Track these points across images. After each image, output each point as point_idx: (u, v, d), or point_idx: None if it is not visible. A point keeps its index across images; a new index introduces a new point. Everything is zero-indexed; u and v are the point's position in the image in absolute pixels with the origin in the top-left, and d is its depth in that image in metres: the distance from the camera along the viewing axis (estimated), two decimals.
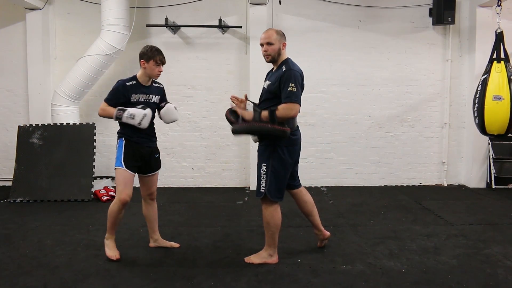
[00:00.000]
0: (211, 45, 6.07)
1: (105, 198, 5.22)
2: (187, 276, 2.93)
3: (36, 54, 5.91)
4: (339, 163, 6.23)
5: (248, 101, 3.10)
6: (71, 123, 5.52)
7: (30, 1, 5.59)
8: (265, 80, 3.17)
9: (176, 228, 4.03)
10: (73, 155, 5.39)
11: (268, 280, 2.86)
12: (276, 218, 3.06)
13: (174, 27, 5.94)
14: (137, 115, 3.08)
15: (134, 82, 3.21)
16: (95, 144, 5.47)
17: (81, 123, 5.59)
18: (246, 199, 5.39)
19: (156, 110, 3.37)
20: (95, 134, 5.49)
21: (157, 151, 3.44)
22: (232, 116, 2.99)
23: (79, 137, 5.48)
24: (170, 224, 4.22)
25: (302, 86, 3.01)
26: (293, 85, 2.86)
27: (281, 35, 3.08)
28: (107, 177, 6.05)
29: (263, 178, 3.03)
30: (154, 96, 3.31)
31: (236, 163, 6.17)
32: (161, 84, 3.42)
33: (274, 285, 2.80)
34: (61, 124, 5.50)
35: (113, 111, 3.13)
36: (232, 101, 3.11)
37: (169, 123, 3.50)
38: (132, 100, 3.19)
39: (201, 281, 2.85)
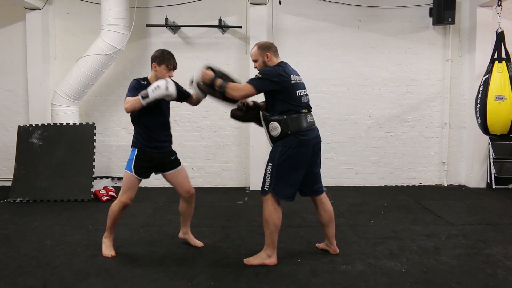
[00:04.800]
0: (211, 45, 6.07)
1: (105, 198, 5.22)
2: (187, 276, 2.93)
3: (36, 54, 5.90)
4: (339, 163, 6.23)
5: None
6: (71, 123, 5.52)
7: (30, 1, 5.59)
8: None
9: (176, 228, 4.02)
10: (73, 155, 5.39)
11: (268, 280, 2.86)
12: (275, 217, 3.06)
13: (174, 27, 5.94)
14: (161, 84, 3.00)
15: (146, 82, 3.22)
16: (95, 144, 5.46)
17: (81, 123, 5.59)
18: (246, 199, 5.39)
19: (169, 106, 3.38)
20: (95, 134, 5.49)
21: (172, 154, 3.40)
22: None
23: (79, 137, 5.47)
24: (170, 224, 4.22)
25: (284, 82, 3.00)
26: (260, 74, 2.99)
27: (263, 48, 3.14)
28: (107, 177, 6.05)
29: (268, 177, 3.06)
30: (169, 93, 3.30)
31: (236, 163, 6.17)
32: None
33: (274, 285, 2.80)
34: (61, 124, 5.50)
35: (137, 97, 3.05)
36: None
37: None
38: None
39: (201, 281, 2.84)
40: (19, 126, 5.58)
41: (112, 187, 5.78)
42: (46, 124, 5.56)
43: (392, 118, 6.23)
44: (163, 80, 3.04)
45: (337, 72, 6.14)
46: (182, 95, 3.36)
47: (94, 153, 5.43)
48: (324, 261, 3.20)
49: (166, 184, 6.13)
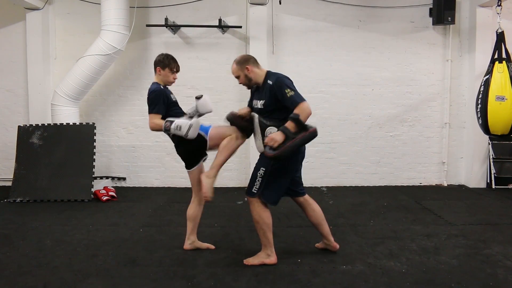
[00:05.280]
0: (211, 45, 6.07)
1: (105, 198, 5.22)
2: (187, 276, 2.93)
3: (36, 54, 5.91)
4: (339, 163, 6.23)
5: (253, 115, 3.07)
6: (71, 123, 5.52)
7: (30, 1, 5.59)
8: (252, 99, 3.19)
9: (176, 228, 4.03)
10: (73, 155, 5.39)
11: (268, 280, 2.86)
12: (264, 217, 3.06)
13: (174, 27, 5.94)
14: (183, 126, 3.05)
15: (162, 87, 3.28)
16: (95, 144, 5.46)
17: (81, 123, 5.59)
18: (246, 199, 5.37)
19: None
20: (95, 134, 5.49)
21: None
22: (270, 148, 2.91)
23: (79, 137, 5.48)
24: (170, 224, 4.22)
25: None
26: (288, 89, 2.90)
27: (241, 62, 3.10)
28: (107, 177, 6.05)
29: (258, 180, 3.04)
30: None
31: (236, 163, 6.17)
32: None
33: (274, 285, 2.80)
34: (61, 124, 5.50)
35: (162, 123, 3.12)
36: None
37: (203, 114, 3.30)
38: (173, 99, 3.30)
39: (201, 281, 2.84)
40: (19, 126, 5.59)
41: (112, 187, 5.78)
42: (46, 124, 5.56)
43: (392, 118, 6.23)
44: (187, 123, 3.03)
45: (337, 72, 6.14)
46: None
47: (94, 153, 5.43)
48: (324, 261, 3.20)
49: (166, 184, 6.19)
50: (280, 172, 3.02)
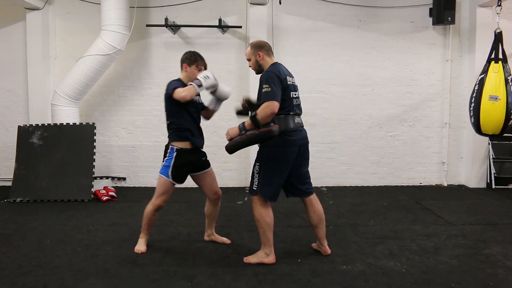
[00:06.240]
0: (211, 45, 6.07)
1: (105, 198, 5.22)
2: (187, 276, 2.93)
3: (36, 54, 5.91)
4: (339, 163, 6.23)
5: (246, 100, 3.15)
6: (71, 123, 5.52)
7: (30, 1, 5.59)
8: None
9: (176, 228, 4.03)
10: (73, 155, 5.39)
11: (268, 280, 2.86)
12: (265, 216, 3.07)
13: (174, 27, 5.94)
14: (209, 74, 3.11)
15: (182, 83, 3.29)
16: (95, 144, 5.46)
17: (81, 123, 5.59)
18: (246, 199, 5.39)
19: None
20: (95, 134, 5.49)
21: (204, 155, 3.49)
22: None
23: (79, 137, 5.48)
24: (170, 224, 4.22)
25: (281, 84, 2.95)
26: (266, 85, 2.91)
27: (256, 47, 3.14)
28: (107, 177, 6.05)
29: (255, 177, 3.08)
30: (198, 97, 3.38)
31: (236, 163, 6.17)
32: None
33: (274, 285, 2.80)
34: (61, 124, 5.50)
35: (191, 85, 3.12)
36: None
37: (227, 98, 3.38)
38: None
39: (201, 281, 2.85)
40: (19, 126, 5.58)
41: (112, 187, 5.78)
42: (46, 124, 5.56)
43: (392, 118, 6.23)
44: (206, 71, 3.13)
45: (337, 72, 6.14)
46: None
47: (94, 153, 5.43)
48: (324, 261, 3.21)
49: None
50: (274, 164, 3.03)
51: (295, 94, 3.11)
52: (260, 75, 3.08)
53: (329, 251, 3.33)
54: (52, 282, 2.83)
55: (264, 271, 3.01)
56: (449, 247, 3.52)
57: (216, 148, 6.12)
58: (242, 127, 2.94)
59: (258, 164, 3.09)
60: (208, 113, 3.52)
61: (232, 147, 2.99)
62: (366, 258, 3.25)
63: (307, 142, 3.18)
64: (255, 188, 3.08)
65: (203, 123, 3.49)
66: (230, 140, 3.00)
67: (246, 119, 2.99)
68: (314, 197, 3.28)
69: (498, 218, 4.44)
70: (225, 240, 3.65)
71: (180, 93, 3.09)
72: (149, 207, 3.37)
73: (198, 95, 3.30)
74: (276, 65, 3.09)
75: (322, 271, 3.02)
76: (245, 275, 2.94)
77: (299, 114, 3.13)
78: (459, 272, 3.00)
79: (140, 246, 3.42)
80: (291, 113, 3.04)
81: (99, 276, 2.93)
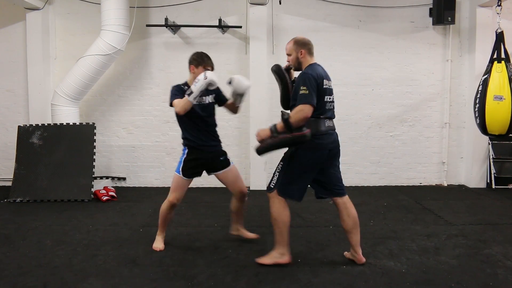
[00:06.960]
0: (211, 45, 6.06)
1: (105, 198, 5.22)
2: (187, 276, 2.93)
3: (36, 54, 5.91)
4: None
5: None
6: (71, 123, 5.52)
7: (30, 1, 5.58)
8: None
9: (176, 228, 4.03)
10: (73, 155, 5.39)
11: (268, 280, 2.86)
12: (283, 215, 3.04)
13: (174, 27, 5.94)
14: (199, 77, 3.09)
15: (186, 87, 3.28)
16: (95, 144, 5.46)
17: (81, 123, 5.59)
18: (246, 199, 5.37)
19: (214, 107, 3.48)
20: (95, 134, 5.49)
21: (222, 154, 3.50)
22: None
23: (79, 137, 5.47)
24: (170, 224, 4.18)
25: (317, 87, 2.91)
26: (304, 88, 2.85)
27: (299, 44, 3.11)
28: (107, 177, 6.05)
29: (276, 175, 3.06)
30: (207, 97, 3.36)
31: (236, 163, 6.07)
32: None
33: (274, 285, 2.80)
34: (61, 124, 5.50)
35: (184, 98, 3.14)
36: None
37: (244, 92, 3.33)
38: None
39: (201, 281, 2.85)
40: (19, 126, 5.58)
41: (112, 187, 5.78)
42: (46, 124, 5.56)
43: (392, 118, 6.23)
44: (202, 75, 3.11)
45: (337, 72, 6.11)
46: (221, 97, 3.50)
47: (94, 153, 5.42)
48: (324, 261, 3.21)
49: (166, 184, 6.17)
50: (297, 166, 2.98)
51: (330, 98, 3.02)
52: (298, 72, 3.06)
53: (363, 259, 3.14)
54: (52, 282, 2.83)
55: (264, 271, 3.01)
56: (449, 247, 3.52)
57: None
58: (274, 129, 2.88)
59: (281, 163, 3.06)
60: (230, 107, 3.52)
61: (263, 149, 2.93)
62: (366, 258, 3.24)
63: (338, 145, 3.12)
64: (272, 186, 3.05)
65: None
66: (260, 141, 2.93)
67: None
68: (348, 200, 3.18)
69: (498, 218, 4.44)
70: (253, 235, 3.65)
71: (176, 108, 3.15)
72: (164, 205, 3.43)
73: (201, 96, 3.26)
74: (314, 66, 3.04)
75: (322, 271, 3.02)
76: (245, 275, 2.94)
77: (331, 118, 3.05)
78: (459, 272, 3.00)
79: (158, 244, 3.48)
80: (321, 116, 2.96)
81: (99, 276, 2.93)
